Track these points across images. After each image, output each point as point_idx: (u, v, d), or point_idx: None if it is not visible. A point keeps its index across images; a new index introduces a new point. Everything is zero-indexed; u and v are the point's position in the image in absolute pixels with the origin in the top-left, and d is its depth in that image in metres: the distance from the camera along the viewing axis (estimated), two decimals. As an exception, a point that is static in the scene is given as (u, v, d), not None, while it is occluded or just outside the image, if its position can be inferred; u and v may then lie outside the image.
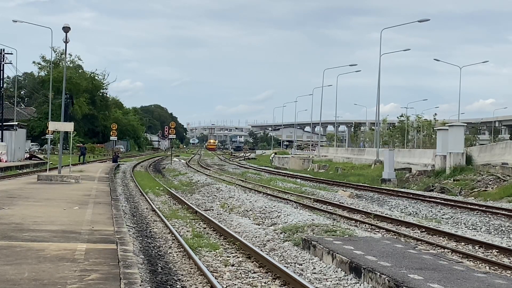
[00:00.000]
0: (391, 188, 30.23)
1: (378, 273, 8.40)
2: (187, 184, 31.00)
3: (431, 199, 23.94)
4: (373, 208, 20.84)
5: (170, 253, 11.45)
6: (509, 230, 15.97)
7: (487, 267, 10.62)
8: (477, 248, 13.03)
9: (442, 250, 12.48)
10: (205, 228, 15.09)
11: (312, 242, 11.26)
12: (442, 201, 23.10)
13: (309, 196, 24.19)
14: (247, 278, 9.43)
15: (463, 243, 13.57)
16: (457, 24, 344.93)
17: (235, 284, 8.94)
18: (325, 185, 33.14)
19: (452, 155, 33.19)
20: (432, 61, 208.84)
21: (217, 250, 11.64)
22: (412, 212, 20.45)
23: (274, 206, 18.89)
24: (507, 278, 8.65)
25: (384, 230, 15.27)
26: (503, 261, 11.40)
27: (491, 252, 12.50)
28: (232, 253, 11.53)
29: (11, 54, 50.25)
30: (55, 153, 53.74)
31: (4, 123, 46.77)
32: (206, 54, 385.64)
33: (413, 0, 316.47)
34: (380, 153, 46.65)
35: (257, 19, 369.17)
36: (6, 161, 39.24)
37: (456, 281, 8.03)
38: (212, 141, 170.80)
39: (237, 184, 30.92)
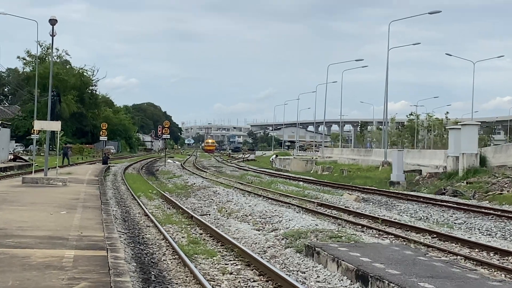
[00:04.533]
0: (400, 191, 30.23)
1: (386, 282, 8.41)
2: (182, 187, 31.01)
3: (442, 203, 23.96)
4: (381, 212, 20.85)
5: (164, 260, 11.46)
6: (526, 236, 15.98)
7: (503, 275, 10.63)
8: (492, 255, 13.04)
9: (455, 257, 12.48)
10: (201, 234, 15.11)
11: (316, 248, 11.27)
12: (455, 205, 23.12)
13: (313, 200, 24.19)
14: (246, 287, 9.44)
15: (477, 250, 13.58)
16: (471, 16, 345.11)
17: (234, 294, 8.95)
18: (329, 188, 33.16)
19: (465, 156, 33.21)
20: (443, 55, 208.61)
21: (214, 257, 11.65)
22: (422, 217, 20.47)
23: (275, 211, 18.91)
24: (524, 287, 8.64)
25: (392, 236, 15.28)
26: (520, 269, 11.40)
27: (507, 259, 12.51)
28: (231, 260, 11.54)
29: (-6, 48, 50.19)
30: (41, 154, 53.73)
31: (-14, 122, 46.78)
32: (205, 49, 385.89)
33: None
34: (388, 154, 46.66)
35: (258, 11, 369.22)
36: (-12, 163, 39.23)
37: (470, 290, 8.03)
38: (210, 141, 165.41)
39: (235, 187, 30.93)
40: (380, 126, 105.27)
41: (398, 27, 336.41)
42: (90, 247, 9.29)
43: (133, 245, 12.90)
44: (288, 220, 16.71)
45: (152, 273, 10.15)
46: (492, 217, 19.93)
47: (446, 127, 57.63)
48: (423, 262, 10.05)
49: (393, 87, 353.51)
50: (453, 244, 14.32)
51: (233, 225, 16.69)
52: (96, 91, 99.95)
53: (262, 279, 9.92)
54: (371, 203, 25.08)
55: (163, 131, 61.76)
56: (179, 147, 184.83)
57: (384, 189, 31.33)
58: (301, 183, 36.89)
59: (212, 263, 11.21)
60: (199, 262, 11.17)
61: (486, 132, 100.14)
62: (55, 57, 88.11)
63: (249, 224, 17.07)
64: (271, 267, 10.18)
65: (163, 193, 26.00)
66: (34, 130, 38.33)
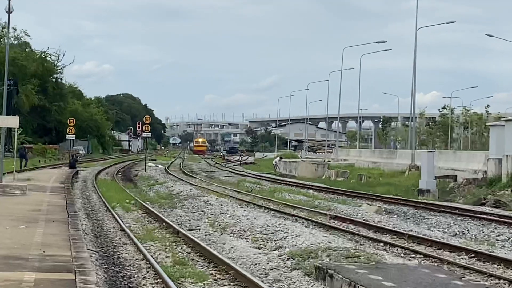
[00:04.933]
0: (431, 202, 30.26)
1: (414, 311, 8.41)
2: (166, 196, 31.06)
3: (482, 216, 23.97)
4: (407, 227, 20.87)
5: (144, 285, 11.47)
6: None
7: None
8: (542, 278, 13.04)
9: (497, 281, 12.50)
10: (189, 253, 15.13)
11: (329, 270, 11.27)
12: (497, 218, 23.13)
13: (325, 212, 24.23)
14: (244, 317, 9.44)
15: (524, 272, 13.59)
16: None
17: (229, 325, 8.96)
18: (345, 197, 33.19)
19: (510, 159, 33.21)
20: (484, 37, 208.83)
21: (205, 282, 11.67)
22: (457, 233, 20.48)
23: (279, 225, 18.94)
24: None
25: (421, 256, 15.30)
26: None
27: (561, 284, 12.52)
28: (225, 285, 11.56)
29: None
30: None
31: None
32: (194, 28, 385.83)
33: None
34: (417, 156, 46.69)
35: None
36: None
37: (515, 321, 8.04)
38: (200, 140, 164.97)
39: (231, 196, 30.98)
40: (407, 123, 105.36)
41: (429, 2, 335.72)
42: (55, 269, 9.28)
43: (106, 266, 12.90)
44: (294, 236, 16.73)
45: (130, 300, 10.16)
46: (543, 232, 19.93)
47: (487, 124, 57.71)
48: (459, 287, 10.04)
49: (423, 75, 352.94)
50: (495, 266, 14.32)
51: (228, 242, 16.70)
52: (61, 79, 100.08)
53: (263, 307, 9.93)
54: (395, 216, 25.10)
55: (143, 128, 61.82)
56: (163, 147, 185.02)
57: (411, 199, 31.34)
58: (310, 191, 36.90)
59: (202, 288, 11.22)
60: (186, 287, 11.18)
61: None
62: (12, 38, 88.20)
63: (247, 241, 17.09)
64: (274, 293, 10.18)
65: (143, 203, 26.01)
66: (-14, 127, 38.29)
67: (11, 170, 32.45)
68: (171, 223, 19.80)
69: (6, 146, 48.50)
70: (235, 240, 17.25)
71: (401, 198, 31.77)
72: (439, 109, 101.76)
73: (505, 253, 16.04)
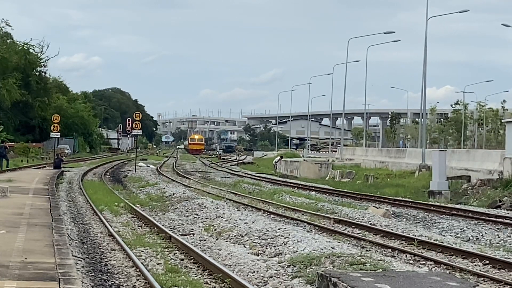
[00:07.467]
0: (442, 204, 30.29)
1: (424, 322, 8.41)
2: (158, 198, 31.07)
3: (498, 219, 24.00)
4: (417, 231, 20.89)
5: (133, 294, 11.47)
6: None
7: None
8: (562, 287, 13.05)
9: (513, 289, 12.51)
10: (182, 259, 15.15)
11: (332, 278, 11.27)
12: (514, 222, 23.16)
13: (328, 215, 24.28)
14: (241, 329, 9.45)
15: (542, 280, 13.60)
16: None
17: (225, 338, 8.97)
18: (350, 200, 33.24)
19: (527, 158, 33.23)
20: (499, 27, 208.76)
21: (199, 290, 11.67)
22: (471, 237, 20.51)
23: (279, 229, 18.95)
24: None
25: (432, 262, 15.34)
26: None
27: None
28: (221, 294, 11.56)
29: None
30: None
31: None
32: (188, 17, 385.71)
33: None
34: (427, 155, 46.73)
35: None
36: None
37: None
38: (197, 137, 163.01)
39: (227, 199, 31.01)
40: (417, 119, 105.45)
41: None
42: (37, 277, 9.28)
43: (93, 274, 12.90)
44: (296, 242, 16.74)
45: (118, 310, 10.17)
46: (562, 237, 19.96)
47: (503, 120, 57.73)
48: (472, 296, 10.05)
49: (434, 69, 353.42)
50: None
51: (224, 248, 16.71)
52: (45, 73, 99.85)
53: (261, 318, 9.94)
54: (404, 220, 25.13)
55: (133, 125, 61.73)
56: (155, 146, 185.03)
57: (422, 201, 31.36)
58: (313, 193, 36.93)
59: (196, 297, 11.22)
60: (179, 297, 11.19)
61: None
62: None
63: (245, 246, 17.11)
64: (274, 303, 10.19)
65: (132, 206, 26.04)
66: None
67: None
68: (163, 227, 19.81)
69: (-14, 145, 48.49)
70: (232, 245, 17.27)
71: (410, 200, 31.81)
72: (451, 105, 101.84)
73: (522, 260, 16.04)
